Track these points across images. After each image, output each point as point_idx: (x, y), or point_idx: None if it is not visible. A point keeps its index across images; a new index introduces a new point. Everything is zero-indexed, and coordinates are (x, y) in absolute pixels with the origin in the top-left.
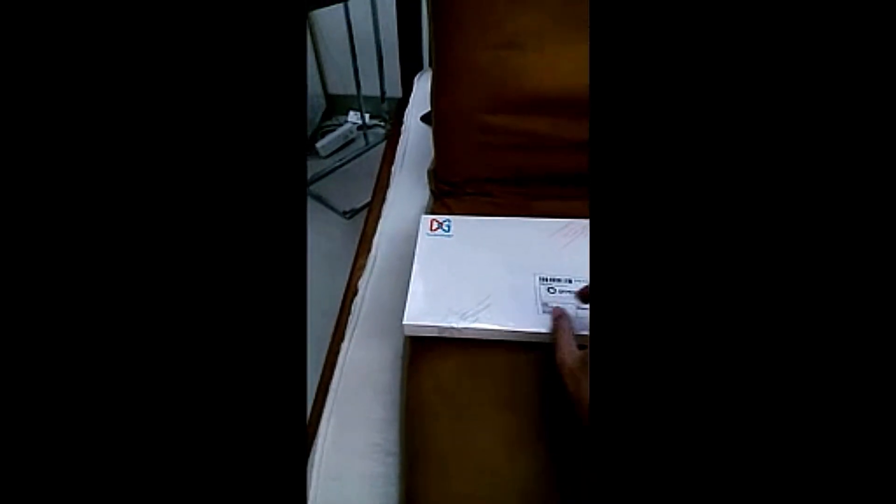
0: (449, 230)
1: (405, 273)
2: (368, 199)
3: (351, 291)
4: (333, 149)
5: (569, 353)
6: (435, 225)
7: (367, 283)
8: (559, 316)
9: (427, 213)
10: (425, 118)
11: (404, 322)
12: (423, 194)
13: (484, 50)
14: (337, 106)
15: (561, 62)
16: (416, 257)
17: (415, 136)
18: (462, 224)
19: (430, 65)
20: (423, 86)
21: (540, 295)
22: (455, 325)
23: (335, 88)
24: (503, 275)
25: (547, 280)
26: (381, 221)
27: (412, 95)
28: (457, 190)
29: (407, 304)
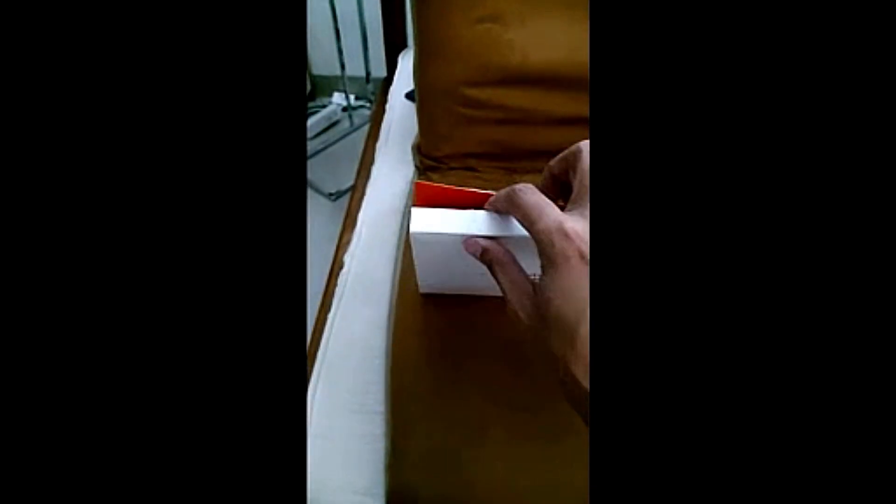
0: None
1: (390, 245)
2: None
3: (337, 265)
4: (318, 130)
5: (520, 305)
6: None
7: (353, 257)
8: (493, 260)
9: (412, 188)
10: (409, 95)
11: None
12: (407, 170)
13: (466, 24)
14: (321, 87)
15: (542, 36)
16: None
17: (399, 113)
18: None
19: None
20: (407, 64)
21: None
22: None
23: (319, 69)
24: None
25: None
26: (365, 197)
27: (397, 73)
28: (440, 165)
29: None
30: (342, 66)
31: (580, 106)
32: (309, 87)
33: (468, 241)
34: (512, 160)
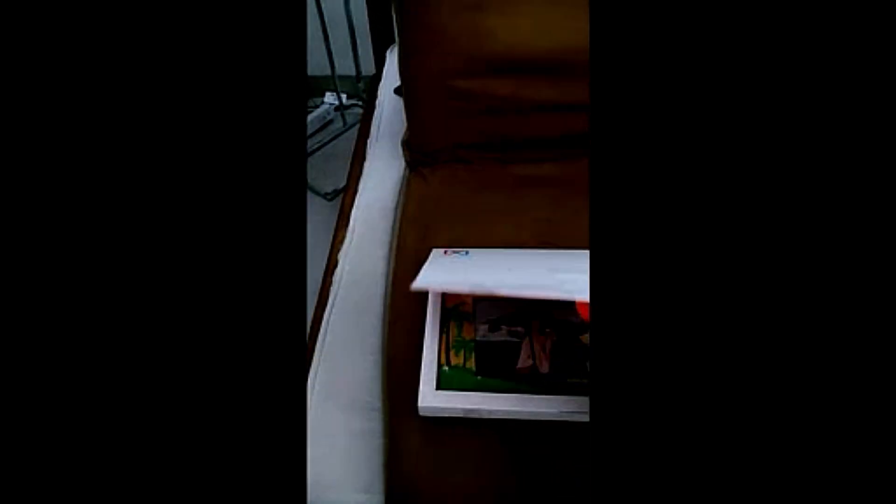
0: (467, 254)
1: (383, 242)
2: None
3: (332, 264)
4: (312, 131)
5: None
6: (450, 252)
7: (347, 255)
8: None
9: (403, 184)
10: (398, 91)
11: (414, 286)
12: (398, 166)
13: (448, 13)
14: (312, 88)
15: (525, 23)
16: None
17: (389, 109)
18: (480, 252)
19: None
20: (395, 59)
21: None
22: (483, 284)
23: (310, 70)
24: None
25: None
26: (358, 195)
27: (385, 69)
28: (431, 159)
29: (419, 275)
30: (332, 66)
31: (566, 92)
32: None
33: None
34: (504, 150)
